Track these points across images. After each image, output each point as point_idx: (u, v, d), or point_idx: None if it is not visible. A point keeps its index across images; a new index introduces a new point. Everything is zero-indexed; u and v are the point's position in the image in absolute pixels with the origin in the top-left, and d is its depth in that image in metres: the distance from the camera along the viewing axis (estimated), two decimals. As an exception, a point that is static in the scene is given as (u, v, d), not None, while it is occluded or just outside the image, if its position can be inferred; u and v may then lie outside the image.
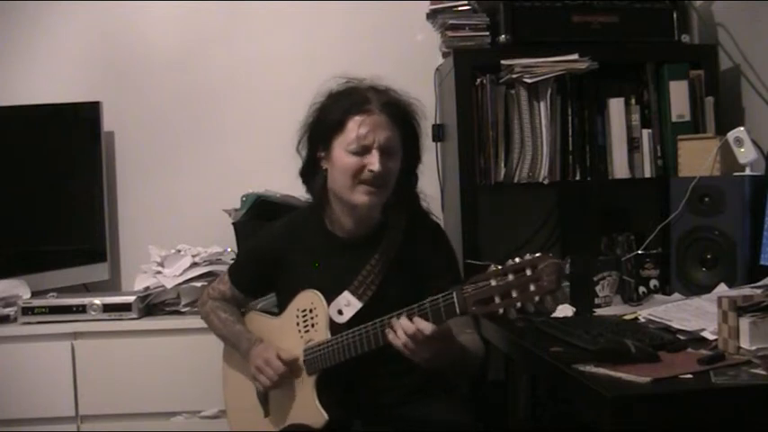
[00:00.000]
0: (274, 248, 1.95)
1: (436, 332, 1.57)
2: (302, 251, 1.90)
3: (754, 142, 2.09)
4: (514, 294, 1.47)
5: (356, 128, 1.77)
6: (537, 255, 1.46)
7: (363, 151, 1.77)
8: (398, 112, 1.83)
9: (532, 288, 1.45)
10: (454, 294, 1.54)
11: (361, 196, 1.78)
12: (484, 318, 2.13)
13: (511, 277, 1.47)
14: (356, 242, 1.87)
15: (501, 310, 1.49)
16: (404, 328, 1.58)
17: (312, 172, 1.89)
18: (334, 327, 1.78)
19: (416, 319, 1.58)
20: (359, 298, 1.80)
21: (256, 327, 1.99)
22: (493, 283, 1.49)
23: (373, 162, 1.76)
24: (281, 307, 1.96)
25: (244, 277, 2.02)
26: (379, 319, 1.66)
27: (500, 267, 1.49)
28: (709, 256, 2.08)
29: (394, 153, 1.81)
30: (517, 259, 1.48)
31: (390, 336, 1.61)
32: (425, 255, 1.87)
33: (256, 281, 2.01)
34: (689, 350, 1.57)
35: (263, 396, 1.92)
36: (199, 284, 2.53)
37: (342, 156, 1.79)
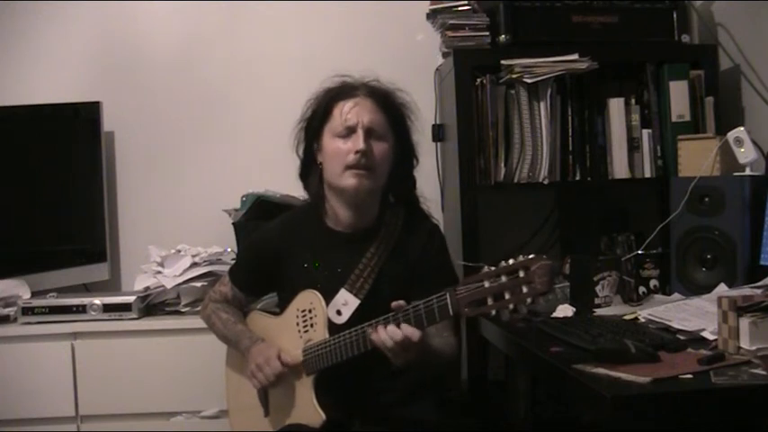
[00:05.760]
0: (273, 245, 1.95)
1: (421, 338, 1.60)
2: (301, 247, 1.91)
3: (754, 142, 2.09)
4: (507, 296, 1.47)
5: (341, 111, 1.82)
6: (530, 256, 1.46)
7: (349, 133, 1.81)
8: (384, 98, 1.87)
9: (525, 290, 1.45)
10: (447, 296, 1.55)
11: (349, 179, 1.80)
12: (482, 318, 2.14)
13: (504, 279, 1.48)
14: (355, 237, 1.88)
15: (493, 312, 1.49)
16: (391, 336, 1.60)
17: (309, 169, 1.92)
18: (333, 327, 1.78)
19: (404, 326, 1.59)
20: (356, 294, 1.81)
21: (258, 326, 1.99)
22: (486, 284, 1.50)
23: (358, 142, 1.79)
24: (281, 304, 1.96)
25: (243, 276, 2.02)
26: (374, 320, 1.66)
27: (493, 269, 1.50)
28: (709, 256, 2.08)
29: (381, 136, 1.84)
30: (510, 261, 1.48)
31: (374, 336, 1.63)
32: (421, 253, 1.88)
33: (256, 279, 2.01)
34: (689, 350, 1.57)
35: (263, 396, 1.92)
36: (199, 284, 2.53)
37: (330, 142, 1.83)
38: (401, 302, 1.64)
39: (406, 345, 1.59)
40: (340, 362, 1.73)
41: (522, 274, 1.45)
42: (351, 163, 1.80)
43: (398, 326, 1.60)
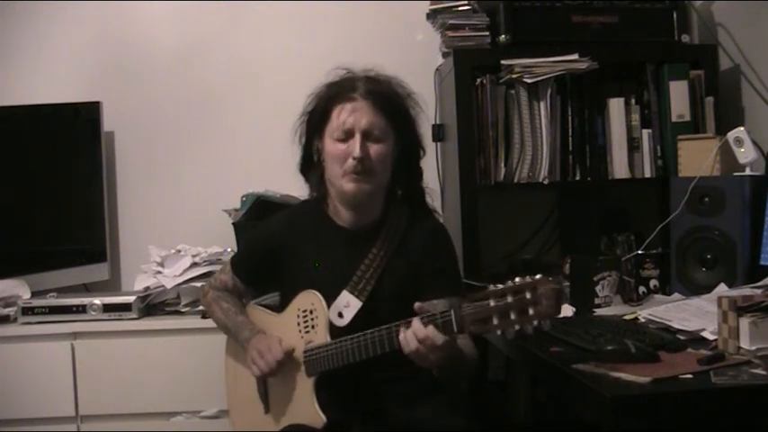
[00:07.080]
0: (275, 240, 1.95)
1: (446, 342, 1.58)
2: (303, 243, 1.90)
3: (754, 142, 2.09)
4: (513, 316, 1.47)
5: (338, 115, 1.82)
6: (537, 277, 1.46)
7: (347, 137, 1.81)
8: (383, 99, 1.85)
9: (531, 312, 1.45)
10: (452, 313, 1.55)
11: (348, 184, 1.81)
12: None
13: (510, 299, 1.47)
14: (358, 233, 1.87)
15: (499, 332, 1.49)
16: (416, 334, 1.58)
17: (310, 164, 1.92)
18: (335, 330, 1.78)
19: (430, 328, 1.57)
20: (357, 296, 1.80)
21: (256, 321, 1.98)
22: (491, 303, 1.49)
23: (354, 148, 1.79)
24: (282, 302, 1.96)
25: (245, 266, 2.02)
26: (377, 328, 1.66)
27: (500, 287, 1.49)
28: (709, 256, 2.08)
29: (379, 139, 1.83)
30: (517, 280, 1.48)
31: (402, 341, 1.61)
32: (424, 253, 1.87)
33: (257, 270, 2.00)
34: (689, 350, 1.57)
35: (263, 391, 1.91)
36: (199, 284, 2.53)
37: (330, 144, 1.83)
38: (422, 305, 1.62)
39: (429, 346, 1.57)
40: (342, 365, 1.72)
41: (528, 295, 1.45)
42: (348, 169, 1.79)
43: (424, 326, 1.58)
